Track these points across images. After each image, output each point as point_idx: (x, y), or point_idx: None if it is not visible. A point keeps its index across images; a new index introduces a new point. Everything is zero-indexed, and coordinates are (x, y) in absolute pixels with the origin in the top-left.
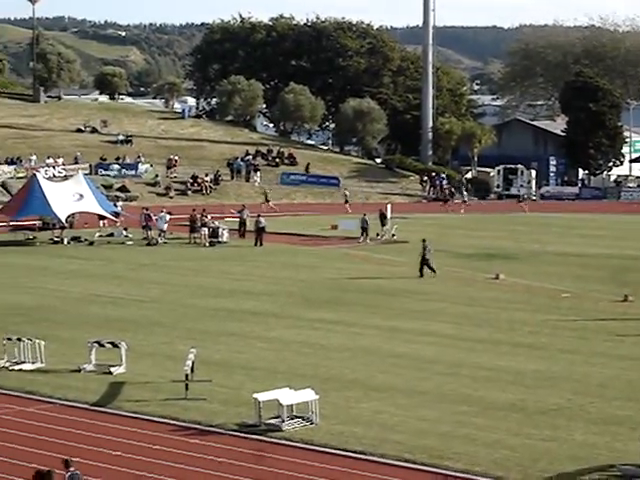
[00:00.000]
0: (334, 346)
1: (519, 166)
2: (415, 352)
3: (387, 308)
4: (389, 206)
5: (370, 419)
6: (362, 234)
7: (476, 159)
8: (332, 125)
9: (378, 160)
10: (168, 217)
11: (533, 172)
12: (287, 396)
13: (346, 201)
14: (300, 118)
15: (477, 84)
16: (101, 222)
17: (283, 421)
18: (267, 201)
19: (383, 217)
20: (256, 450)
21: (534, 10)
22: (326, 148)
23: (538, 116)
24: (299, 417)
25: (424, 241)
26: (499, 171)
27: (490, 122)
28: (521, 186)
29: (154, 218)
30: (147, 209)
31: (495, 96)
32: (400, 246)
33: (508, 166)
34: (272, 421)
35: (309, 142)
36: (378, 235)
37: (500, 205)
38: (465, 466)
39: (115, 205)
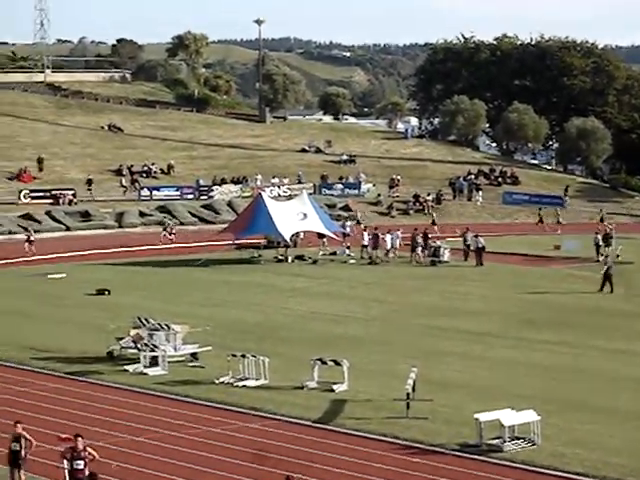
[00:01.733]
0: (556, 367)
1: None
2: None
3: (610, 329)
4: (612, 226)
5: (592, 441)
6: (597, 254)
7: None
8: (555, 144)
9: (595, 179)
10: (401, 235)
11: None
12: (509, 417)
13: (540, 220)
14: (524, 137)
15: None
16: (322, 240)
17: (504, 442)
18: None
19: (608, 237)
20: (476, 470)
21: None
22: (549, 168)
23: None
24: (521, 438)
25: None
26: None
27: None
28: None
29: (381, 237)
30: (376, 228)
31: None
32: (623, 267)
33: None
34: (493, 442)
35: (533, 161)
36: (602, 255)
37: None
38: None
39: (344, 226)
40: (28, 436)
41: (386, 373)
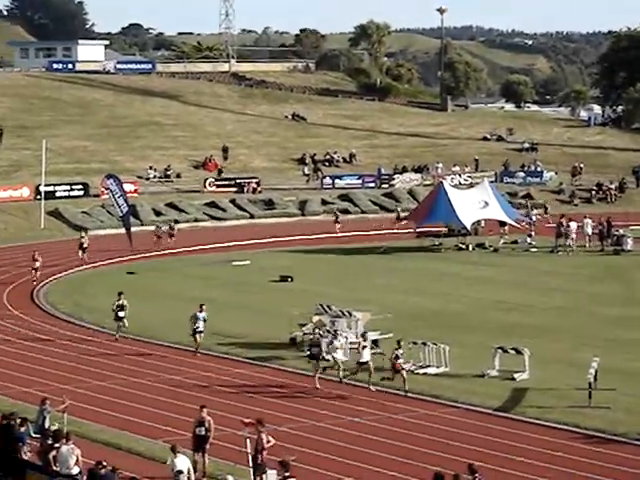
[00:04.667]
0: None
1: None
2: None
3: None
4: None
5: None
6: None
7: None
8: None
9: None
10: (591, 223)
11: None
12: None
13: None
14: None
15: None
16: (502, 229)
17: None
18: None
19: None
20: None
21: None
22: None
23: None
24: None
25: None
26: None
27: None
28: None
29: (572, 225)
30: (562, 216)
31: None
32: None
33: None
34: None
35: None
36: None
37: None
38: None
39: (529, 214)
40: (211, 421)
41: (568, 362)
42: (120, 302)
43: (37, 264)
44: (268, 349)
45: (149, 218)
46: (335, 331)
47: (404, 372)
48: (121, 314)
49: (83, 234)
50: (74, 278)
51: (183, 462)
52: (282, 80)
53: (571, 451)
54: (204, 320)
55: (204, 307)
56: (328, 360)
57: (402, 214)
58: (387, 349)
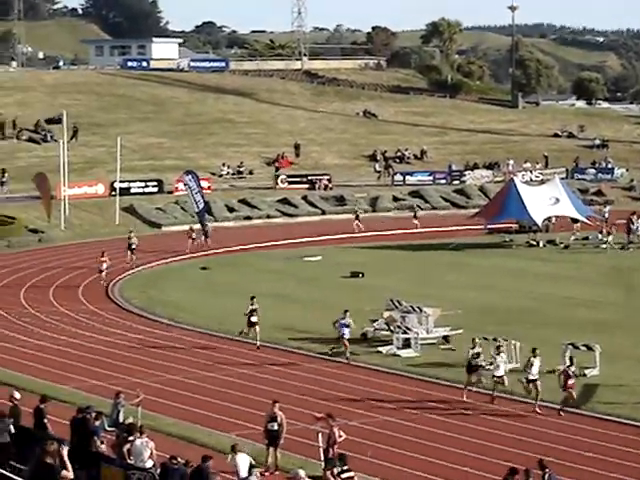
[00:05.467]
0: None
1: None
2: None
3: None
4: None
5: None
6: None
7: None
8: None
9: None
10: None
11: None
12: None
13: None
14: None
15: None
16: (574, 225)
17: None
18: None
19: None
20: None
21: None
22: None
23: None
24: None
25: None
26: None
27: None
28: None
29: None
30: (633, 213)
31: None
32: None
33: None
34: None
35: None
36: None
37: None
38: None
39: (602, 211)
40: (283, 416)
41: (637, 358)
42: (253, 307)
43: (104, 266)
44: (339, 344)
45: (222, 214)
46: (406, 327)
47: (572, 392)
48: (254, 319)
49: (131, 233)
50: (148, 273)
51: (243, 460)
52: (354, 77)
53: None
54: (347, 326)
55: (348, 313)
56: (488, 370)
57: (419, 212)
58: (459, 345)
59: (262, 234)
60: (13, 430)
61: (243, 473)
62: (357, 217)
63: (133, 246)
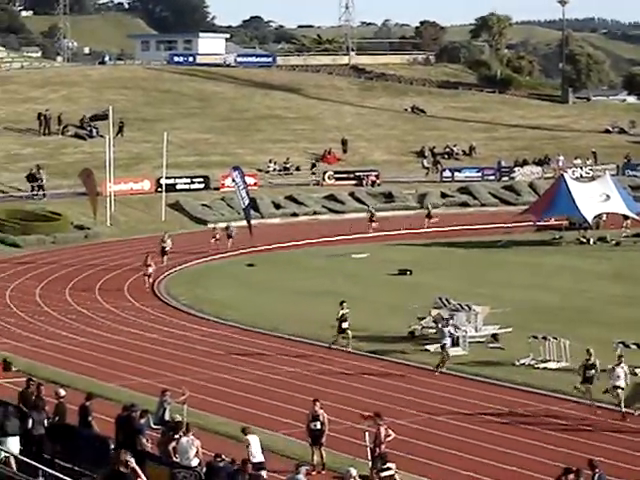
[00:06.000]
0: None
1: None
2: None
3: None
4: None
5: None
6: None
7: None
8: None
9: None
10: None
11: None
12: None
13: None
14: None
15: None
16: (625, 222)
17: None
18: None
19: None
20: None
21: None
22: None
23: None
24: None
25: None
26: None
27: None
28: None
29: None
30: None
31: None
32: None
33: None
34: None
35: None
36: None
37: None
38: None
39: None
40: (325, 414)
41: None
42: (343, 311)
43: (150, 270)
44: (387, 342)
45: (269, 211)
46: (454, 325)
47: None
48: (344, 325)
49: (165, 236)
50: (194, 270)
51: (255, 442)
52: (402, 73)
53: None
54: (450, 335)
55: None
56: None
57: (432, 211)
58: (508, 343)
59: (309, 230)
60: (55, 427)
61: (257, 454)
62: (371, 218)
63: (167, 248)
